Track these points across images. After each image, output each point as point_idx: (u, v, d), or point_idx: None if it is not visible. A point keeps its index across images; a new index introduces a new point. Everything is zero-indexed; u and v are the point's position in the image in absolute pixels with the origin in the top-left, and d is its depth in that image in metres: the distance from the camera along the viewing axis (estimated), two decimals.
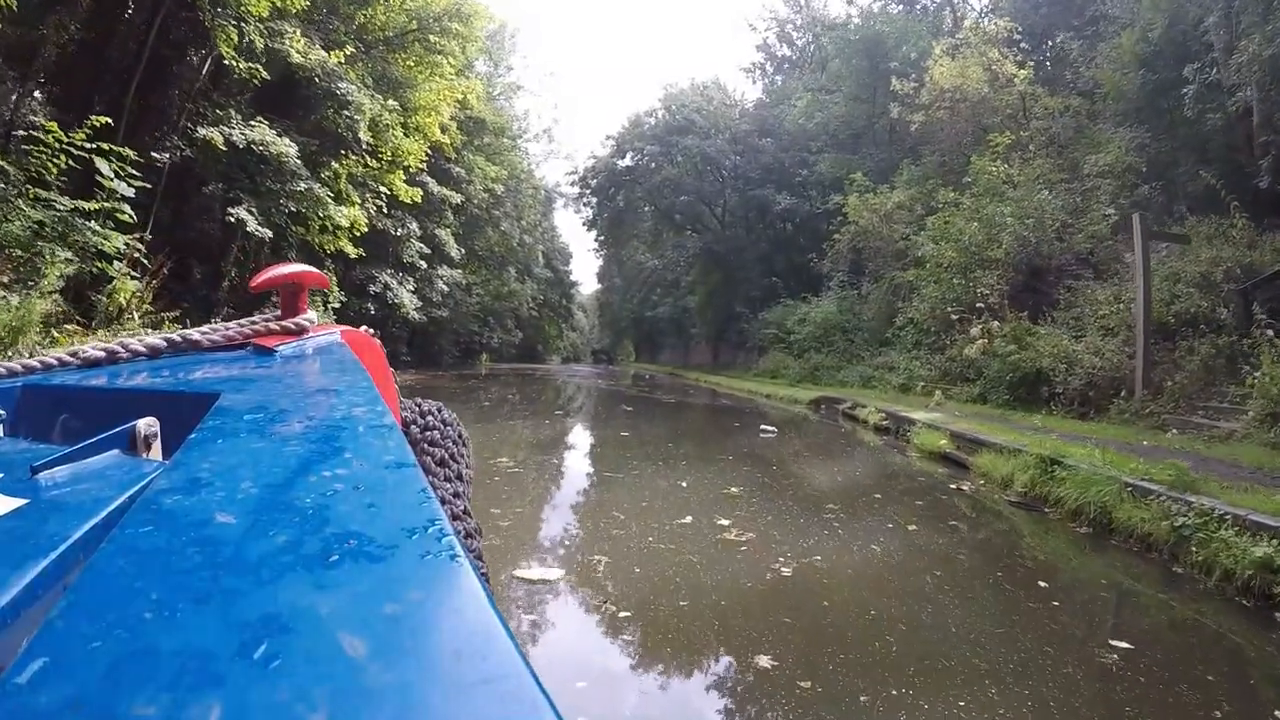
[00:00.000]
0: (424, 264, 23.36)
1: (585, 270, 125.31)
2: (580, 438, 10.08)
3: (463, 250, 27.70)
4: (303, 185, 13.63)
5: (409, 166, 19.44)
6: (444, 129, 22.46)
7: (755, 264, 35.54)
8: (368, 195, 16.60)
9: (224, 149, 12.98)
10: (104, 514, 0.38)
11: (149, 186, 11.04)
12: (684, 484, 6.03)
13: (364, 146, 15.14)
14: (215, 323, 1.07)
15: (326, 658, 0.24)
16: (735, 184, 36.82)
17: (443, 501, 0.65)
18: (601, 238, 44.19)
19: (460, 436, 0.92)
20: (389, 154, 18.58)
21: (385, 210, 18.04)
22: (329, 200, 13.78)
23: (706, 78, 43.84)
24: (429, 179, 22.69)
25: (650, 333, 58.91)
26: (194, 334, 0.90)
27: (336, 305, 18.50)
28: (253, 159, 13.53)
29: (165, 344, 0.87)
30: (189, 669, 0.23)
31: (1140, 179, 15.09)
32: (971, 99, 21.57)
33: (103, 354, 0.81)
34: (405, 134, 18.52)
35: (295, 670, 0.23)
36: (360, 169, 16.94)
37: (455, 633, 0.26)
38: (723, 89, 40.57)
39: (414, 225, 22.28)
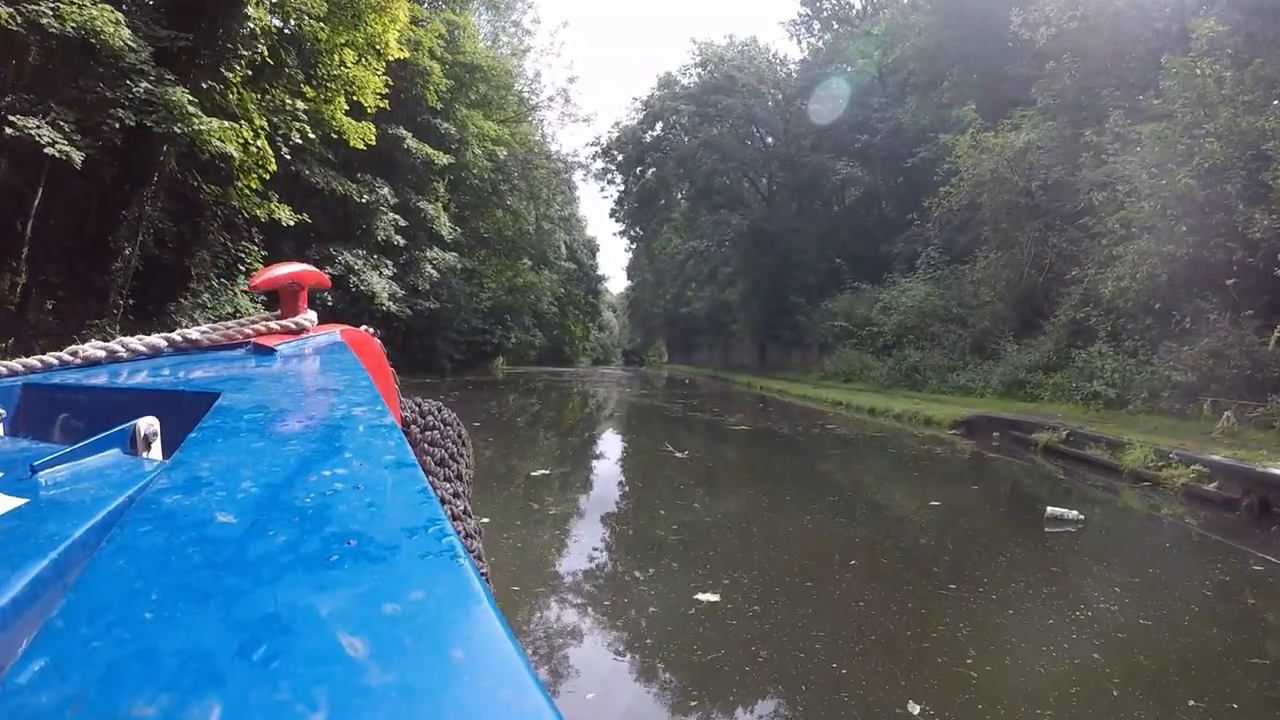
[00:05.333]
0: (401, 240, 18.26)
1: (614, 266, 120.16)
2: (566, 616, 3.31)
3: (457, 229, 22.62)
4: (145, 86, 8.60)
5: (367, 106, 14.47)
6: (423, 68, 17.47)
7: (812, 245, 29.80)
8: (283, 120, 11.53)
9: (16, 28, 8.04)
10: (104, 514, 0.37)
11: None
12: None
13: (260, 32, 10.04)
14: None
15: (326, 658, 0.24)
16: (783, 152, 31.18)
17: (443, 501, 0.65)
18: (628, 220, 38.87)
19: (460, 436, 0.91)
20: (338, 85, 13.63)
21: (308, 143, 12.93)
22: (191, 110, 8.71)
23: (744, 37, 38.27)
24: (403, 131, 17.69)
25: (685, 331, 53.85)
26: (194, 333, 0.90)
27: (259, 297, 13.51)
28: (73, 50, 8.59)
29: (165, 343, 0.87)
30: (189, 669, 0.23)
31: None
32: (1115, 6, 16.13)
33: (103, 353, 0.81)
34: (357, 56, 13.55)
35: (295, 670, 0.23)
36: (283, 93, 11.95)
37: (455, 633, 0.26)
38: (763, 49, 34.99)
39: (386, 190, 17.26)
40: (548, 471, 6.92)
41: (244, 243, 13.19)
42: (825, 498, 5.91)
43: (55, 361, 0.77)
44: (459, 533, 0.45)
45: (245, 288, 13.12)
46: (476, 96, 21.75)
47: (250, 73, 10.74)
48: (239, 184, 10.83)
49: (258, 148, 10.20)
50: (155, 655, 0.23)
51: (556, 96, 35.25)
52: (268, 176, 10.82)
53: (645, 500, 6.01)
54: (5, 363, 0.73)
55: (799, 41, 38.54)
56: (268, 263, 14.88)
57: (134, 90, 8.54)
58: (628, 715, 2.47)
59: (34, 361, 0.76)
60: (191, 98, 8.93)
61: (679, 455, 7.90)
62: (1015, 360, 12.87)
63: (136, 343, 0.84)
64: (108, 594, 0.27)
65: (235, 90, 10.02)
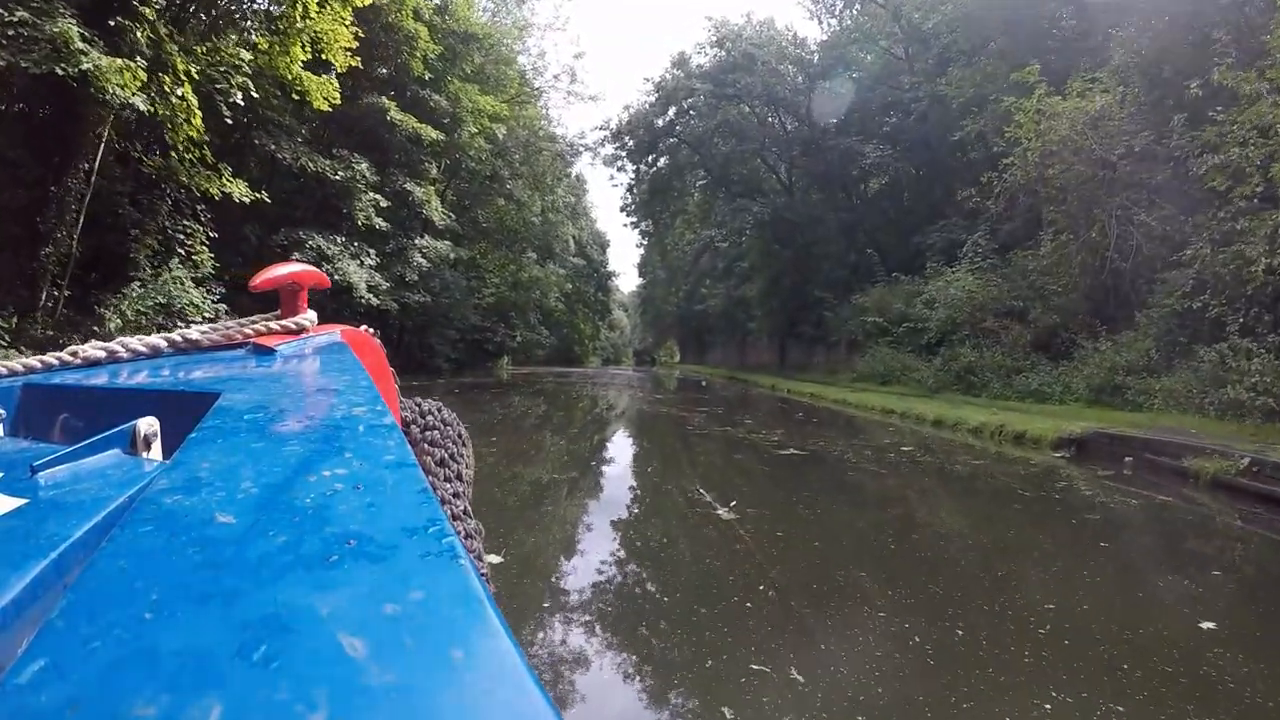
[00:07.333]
0: (385, 224, 16.31)
1: (624, 264, 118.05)
2: None
3: (451, 216, 20.65)
4: (21, 14, 6.66)
5: (337, 65, 12.56)
6: (409, 31, 15.50)
7: (836, 236, 27.61)
8: (221, 74, 9.55)
9: None
10: (104, 514, 0.37)
11: None
12: None
13: None
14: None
15: (326, 658, 0.24)
16: (805, 136, 29.04)
17: (443, 501, 0.66)
18: (640, 212, 36.84)
19: (460, 436, 0.90)
20: (297, 36, 11.69)
21: (277, 112, 11.00)
22: (79, 46, 6.75)
23: (762, 16, 36.10)
24: (386, 101, 15.74)
25: (698, 330, 51.82)
26: (194, 333, 0.90)
27: (215, 289, 11.50)
28: None
29: (165, 343, 0.87)
30: (189, 669, 0.23)
31: None
32: None
33: (103, 353, 0.81)
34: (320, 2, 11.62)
35: (295, 670, 0.23)
36: (231, 45, 10.02)
37: (455, 633, 0.26)
38: (782, 31, 32.84)
39: (364, 166, 15.34)
40: (500, 559, 3.80)
41: (185, 221, 11.22)
42: (1021, 622, 3.00)
43: (55, 362, 0.77)
44: (459, 533, 0.45)
45: (186, 275, 11.19)
46: (472, 69, 19.78)
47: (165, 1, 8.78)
48: (176, 152, 8.85)
49: (179, 96, 8.23)
50: (155, 655, 0.23)
51: (562, 74, 33.12)
52: (195, 135, 8.85)
53: (686, 658, 2.68)
54: (5, 363, 0.74)
55: (820, 22, 36.37)
56: (215, 247, 13.05)
57: (9, 19, 6.59)
58: None
59: (34, 361, 0.76)
60: (84, 31, 6.97)
61: (721, 513, 4.89)
62: (1106, 360, 10.68)
63: (136, 343, 0.85)
64: (108, 594, 0.27)
65: (146, 27, 7.99)
